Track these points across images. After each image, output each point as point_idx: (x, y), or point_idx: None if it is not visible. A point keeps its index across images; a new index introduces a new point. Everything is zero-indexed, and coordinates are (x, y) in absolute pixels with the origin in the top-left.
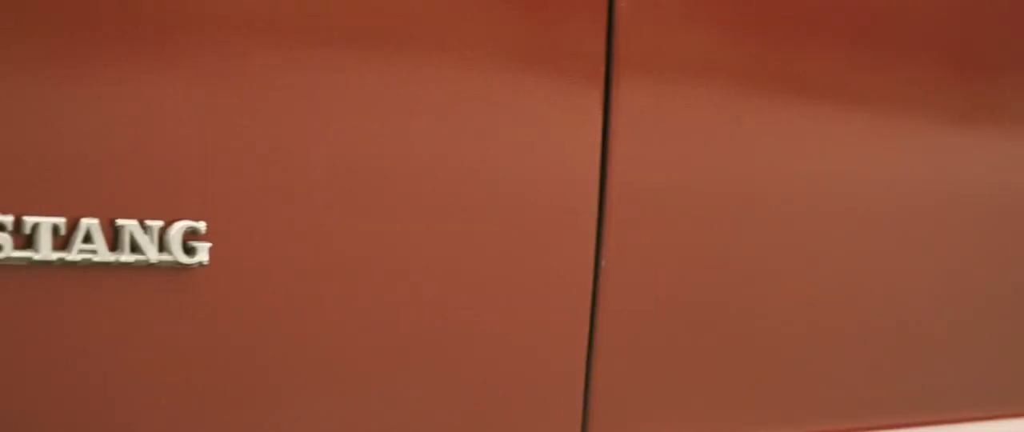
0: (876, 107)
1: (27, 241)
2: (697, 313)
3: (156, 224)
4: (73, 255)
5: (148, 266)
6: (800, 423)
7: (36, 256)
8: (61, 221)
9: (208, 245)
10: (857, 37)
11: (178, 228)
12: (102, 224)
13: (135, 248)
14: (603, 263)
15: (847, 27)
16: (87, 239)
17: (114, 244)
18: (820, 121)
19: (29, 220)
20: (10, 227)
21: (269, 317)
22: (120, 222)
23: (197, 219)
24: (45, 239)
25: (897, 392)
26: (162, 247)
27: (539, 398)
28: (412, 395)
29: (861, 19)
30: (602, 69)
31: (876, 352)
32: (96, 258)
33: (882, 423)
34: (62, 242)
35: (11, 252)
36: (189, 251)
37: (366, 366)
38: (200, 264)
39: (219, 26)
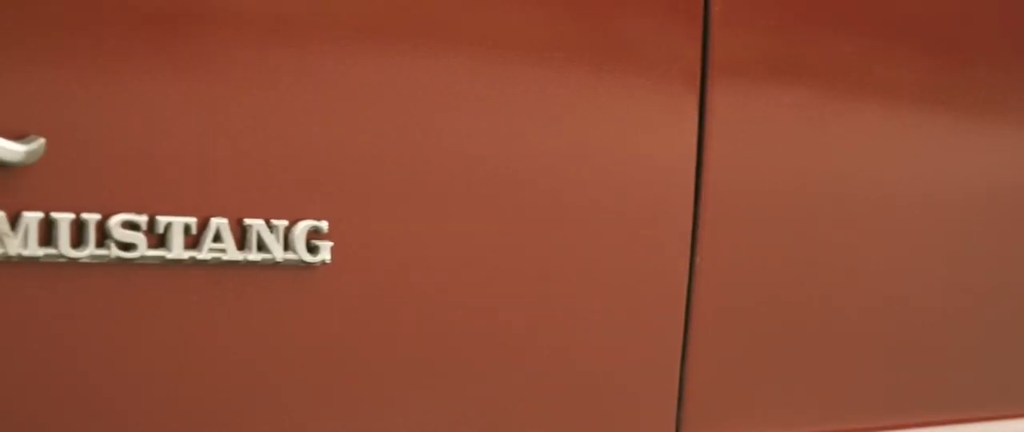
0: (964, 109)
1: (160, 240)
2: (790, 312)
3: (281, 224)
4: (203, 254)
5: (274, 265)
6: (894, 418)
7: (168, 255)
8: (192, 221)
9: (330, 244)
10: (944, 40)
11: (302, 227)
12: (230, 223)
13: (262, 247)
14: (698, 262)
15: (935, 31)
16: (217, 238)
17: (242, 243)
18: (910, 123)
19: (162, 220)
20: (144, 226)
21: (386, 314)
22: (247, 221)
23: (320, 218)
24: (177, 238)
25: (992, 384)
26: (287, 246)
27: (634, 397)
28: (514, 392)
29: (949, 23)
30: (698, 72)
31: (968, 348)
32: (225, 257)
33: (978, 415)
34: (193, 241)
35: (145, 251)
36: (312, 250)
37: (472, 363)
38: (322, 262)
39: (338, 29)
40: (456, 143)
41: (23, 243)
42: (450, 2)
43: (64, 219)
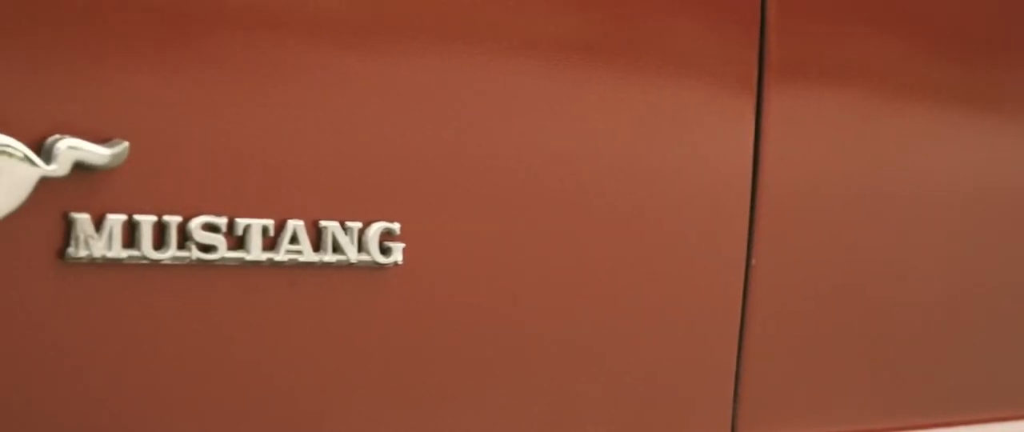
0: (1016, 110)
1: (239, 242)
2: (844, 312)
3: (355, 225)
4: (280, 255)
5: (348, 266)
6: (948, 415)
7: (247, 257)
8: (270, 223)
9: (402, 245)
10: (995, 42)
11: (375, 229)
12: (307, 225)
13: (336, 248)
14: (753, 262)
15: (986, 32)
16: (293, 240)
17: (317, 245)
18: (962, 123)
19: (241, 222)
20: (224, 228)
21: (455, 314)
22: (323, 223)
23: (392, 220)
24: (255, 240)
25: None
26: (361, 247)
27: (690, 396)
28: (575, 391)
29: (1000, 24)
30: (754, 75)
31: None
32: (301, 258)
33: None
34: (270, 243)
35: (225, 253)
36: (385, 251)
37: (535, 362)
38: (395, 264)
39: (411, 32)
40: (523, 144)
41: (107, 245)
42: (517, 8)
43: (147, 221)
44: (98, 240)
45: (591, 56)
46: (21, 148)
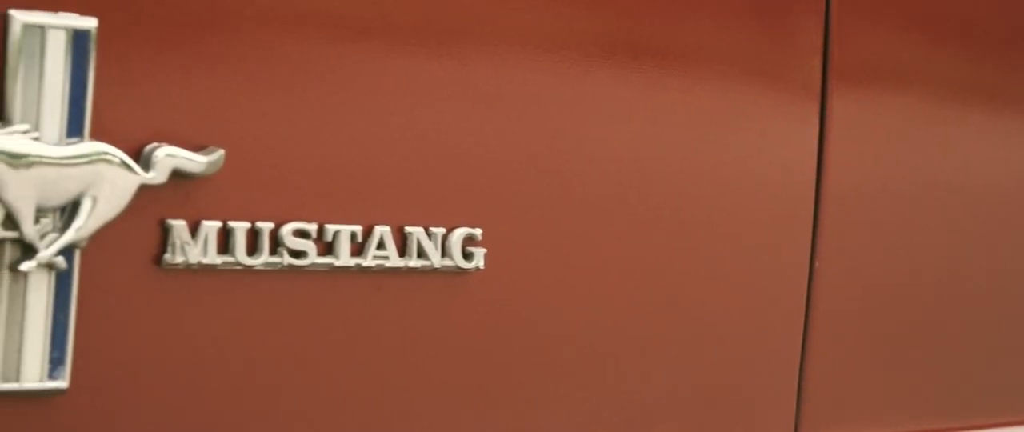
0: None
1: (328, 248)
2: (907, 313)
3: (439, 231)
4: (368, 261)
5: (432, 271)
6: (1012, 415)
7: (336, 262)
8: (358, 229)
9: (483, 251)
10: None
11: (458, 234)
12: (392, 231)
13: (421, 254)
14: (817, 265)
15: None
16: (380, 245)
17: (403, 250)
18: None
19: (330, 228)
20: (314, 234)
21: (532, 317)
22: (408, 229)
23: (474, 226)
24: (344, 246)
25: None
26: (444, 252)
27: (754, 395)
28: (644, 391)
29: None
30: (818, 80)
31: None
32: (388, 264)
33: None
34: (358, 248)
35: (315, 258)
36: (467, 256)
37: (607, 363)
38: (476, 268)
39: (490, 42)
40: (597, 150)
41: (203, 251)
42: (592, 16)
43: (240, 228)
44: (194, 246)
45: (663, 63)
46: (120, 155)
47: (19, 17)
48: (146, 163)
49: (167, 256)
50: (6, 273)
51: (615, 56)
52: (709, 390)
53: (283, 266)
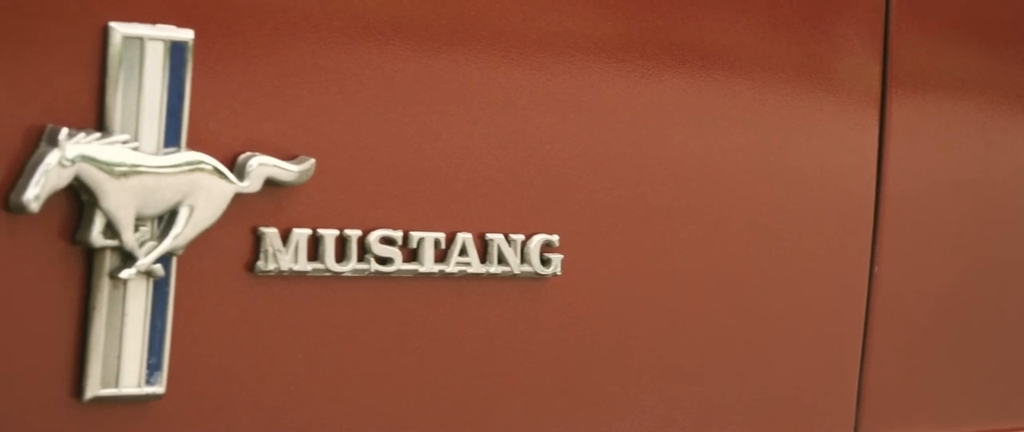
0: None
1: (412, 254)
2: (966, 315)
3: (518, 238)
4: (451, 267)
5: (511, 277)
6: None
7: (421, 268)
8: (441, 236)
9: (561, 257)
10: None
11: (536, 241)
12: (474, 238)
13: (501, 260)
14: (876, 269)
15: None
16: (463, 252)
17: (484, 256)
18: None
19: (415, 235)
20: (399, 241)
21: (607, 322)
22: (489, 236)
23: (551, 233)
24: (428, 252)
25: None
26: (523, 259)
27: (815, 396)
28: (712, 393)
29: None
30: (879, 89)
31: None
32: (470, 270)
33: None
34: (441, 255)
35: (400, 265)
36: (545, 262)
37: (676, 366)
38: (553, 274)
39: (569, 51)
40: (667, 157)
41: (293, 258)
42: (666, 28)
43: (329, 235)
44: (285, 253)
45: (729, 71)
46: (216, 164)
47: (119, 29)
48: (240, 172)
49: (260, 263)
50: (106, 281)
51: (686, 65)
52: (772, 390)
53: (370, 273)
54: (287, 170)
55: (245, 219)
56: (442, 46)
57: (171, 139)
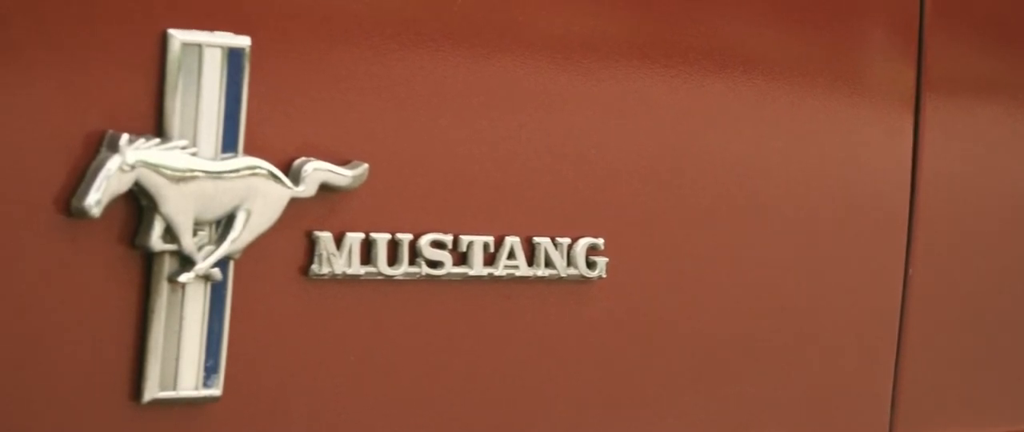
0: None
1: (462, 258)
2: (1001, 317)
3: (565, 241)
4: (499, 270)
5: (558, 280)
6: None
7: (470, 272)
8: (490, 240)
9: (606, 260)
10: None
11: (582, 244)
12: (522, 242)
13: (548, 263)
14: (911, 271)
15: None
16: (511, 256)
17: (531, 260)
18: None
19: (465, 239)
20: (449, 245)
21: (649, 323)
22: (536, 240)
23: (596, 236)
24: (477, 256)
25: None
26: (570, 262)
27: (850, 396)
28: (750, 393)
29: None
30: (913, 88)
31: None
32: (518, 273)
33: None
34: (490, 258)
35: (450, 268)
36: (590, 265)
37: (717, 367)
38: (599, 277)
39: (614, 54)
40: (707, 160)
41: (347, 262)
42: (703, 32)
43: (382, 239)
44: (339, 257)
45: (768, 75)
46: (272, 169)
47: (178, 36)
48: (295, 177)
49: (314, 267)
50: (165, 285)
51: (725, 70)
52: (807, 391)
53: (421, 276)
54: (341, 175)
55: (299, 223)
56: (490, 52)
57: (228, 144)
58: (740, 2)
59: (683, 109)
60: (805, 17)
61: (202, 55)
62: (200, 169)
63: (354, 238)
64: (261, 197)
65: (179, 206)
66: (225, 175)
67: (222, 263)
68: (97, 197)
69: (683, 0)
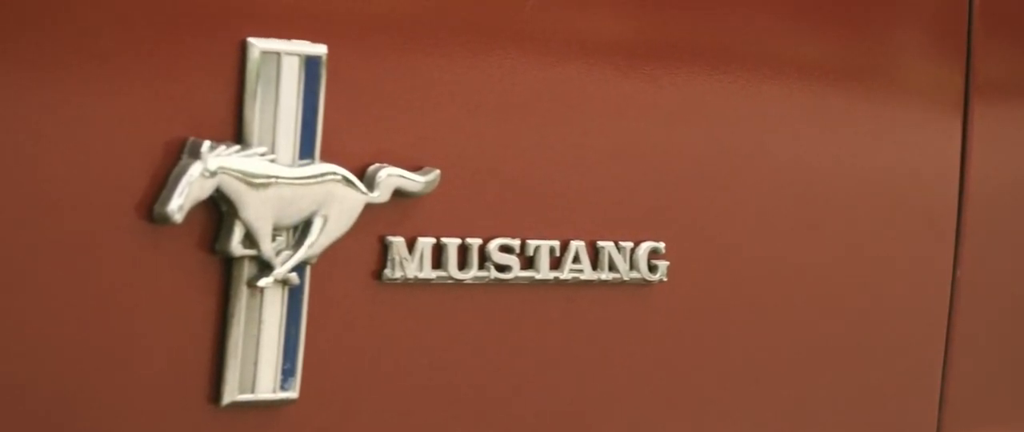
0: None
1: (529, 262)
2: None
3: (627, 245)
4: (565, 274)
5: (621, 283)
6: None
7: (537, 275)
8: (556, 244)
9: (667, 263)
10: None
11: (644, 248)
12: (586, 246)
13: (611, 267)
14: (959, 273)
15: None
16: (576, 260)
17: (595, 263)
18: None
19: (531, 243)
20: (517, 250)
21: (709, 326)
22: (600, 244)
23: (657, 240)
24: (544, 260)
25: None
26: (632, 266)
27: (898, 397)
28: (803, 395)
29: None
30: (962, 92)
31: None
32: (582, 277)
33: None
34: (556, 262)
35: (518, 272)
36: (652, 269)
37: (771, 368)
38: (660, 281)
39: (673, 61)
40: (764, 163)
41: (419, 267)
42: (762, 39)
43: (452, 244)
44: (411, 262)
45: (822, 80)
46: (348, 175)
47: (257, 45)
48: (370, 183)
49: (387, 271)
50: (244, 289)
51: (782, 74)
52: (857, 391)
53: (489, 280)
54: (414, 181)
55: (373, 228)
56: (557, 60)
57: (306, 151)
58: (794, 10)
59: (739, 115)
60: (856, 22)
61: (280, 63)
62: (279, 175)
63: (425, 243)
64: (337, 203)
65: (259, 212)
66: (303, 181)
67: (299, 268)
68: (179, 203)
69: (740, 8)
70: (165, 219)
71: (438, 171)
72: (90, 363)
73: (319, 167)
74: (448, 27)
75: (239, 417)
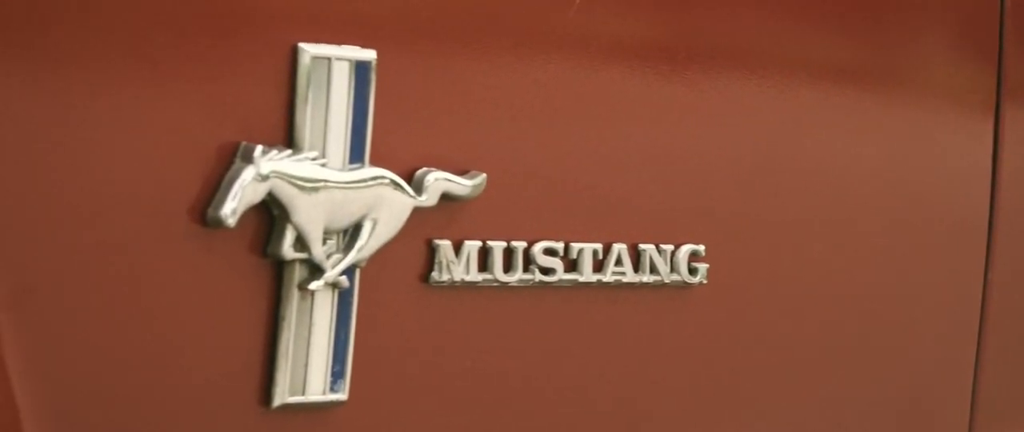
0: None
1: (572, 265)
2: None
3: (668, 248)
4: (607, 277)
5: (661, 286)
6: None
7: (580, 278)
8: (598, 247)
9: (706, 266)
10: None
11: (684, 251)
12: (628, 249)
13: (653, 269)
14: (990, 275)
15: None
16: (618, 262)
17: (636, 266)
18: None
19: (575, 246)
20: (561, 253)
21: (745, 327)
22: (642, 247)
23: (697, 243)
24: (587, 263)
25: None
26: (672, 268)
27: (930, 398)
28: (839, 395)
29: None
30: (993, 96)
31: None
32: (624, 279)
33: None
34: (598, 265)
35: (562, 275)
36: (692, 271)
37: (809, 370)
38: (700, 283)
39: (714, 64)
40: (802, 169)
41: (465, 269)
42: (804, 45)
43: (498, 247)
44: (457, 265)
45: (857, 84)
46: (397, 179)
47: (308, 50)
48: (418, 187)
49: (434, 274)
50: (295, 292)
51: (819, 78)
52: (890, 391)
53: (534, 283)
54: (462, 185)
55: (420, 232)
56: (599, 65)
57: (356, 155)
58: (831, 15)
59: (777, 119)
60: (889, 27)
61: (331, 68)
62: (330, 179)
63: (472, 246)
64: (387, 206)
65: (310, 215)
66: (354, 185)
67: (349, 271)
68: (232, 207)
69: (778, 14)
70: (218, 223)
71: (485, 175)
72: (143, 365)
73: (369, 171)
74: (494, 33)
75: (289, 419)
